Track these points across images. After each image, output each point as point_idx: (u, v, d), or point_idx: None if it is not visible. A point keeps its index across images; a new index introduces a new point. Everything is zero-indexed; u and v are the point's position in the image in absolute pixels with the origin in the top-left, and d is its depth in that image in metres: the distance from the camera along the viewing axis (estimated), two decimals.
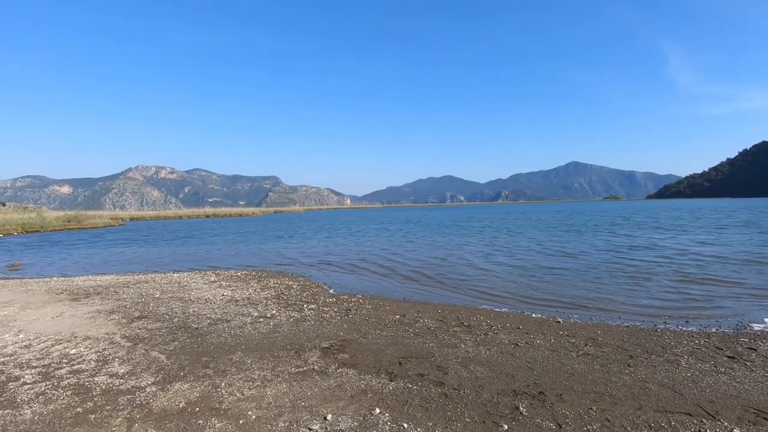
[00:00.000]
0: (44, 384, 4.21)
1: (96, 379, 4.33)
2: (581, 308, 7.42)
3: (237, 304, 7.86)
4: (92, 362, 4.84)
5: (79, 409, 3.65)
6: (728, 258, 12.45)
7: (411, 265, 13.24)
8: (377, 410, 3.53)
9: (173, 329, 6.22)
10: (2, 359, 5.01)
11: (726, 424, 3.27)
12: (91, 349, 5.35)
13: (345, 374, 4.37)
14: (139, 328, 6.29)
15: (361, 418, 3.41)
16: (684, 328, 6.02)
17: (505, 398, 3.77)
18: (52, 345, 5.52)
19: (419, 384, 4.10)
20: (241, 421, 3.39)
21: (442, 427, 3.28)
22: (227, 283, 10.30)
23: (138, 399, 3.84)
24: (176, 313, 7.25)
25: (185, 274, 12.29)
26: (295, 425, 3.31)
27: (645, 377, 4.23)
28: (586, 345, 5.28)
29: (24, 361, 4.93)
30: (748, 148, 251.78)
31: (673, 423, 3.30)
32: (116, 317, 7.02)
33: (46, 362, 4.86)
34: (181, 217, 74.56)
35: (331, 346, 5.33)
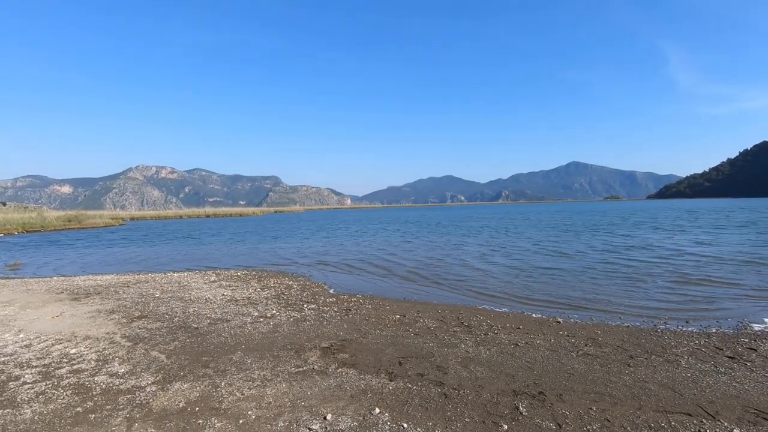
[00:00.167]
0: (44, 383, 4.22)
1: (96, 378, 4.34)
2: (581, 308, 7.41)
3: (237, 304, 7.86)
4: (92, 362, 4.84)
5: (79, 409, 3.66)
6: (728, 258, 12.45)
7: (410, 265, 13.24)
8: (377, 410, 3.54)
9: (173, 329, 6.23)
10: (2, 359, 5.01)
11: (726, 424, 3.27)
12: (91, 348, 5.35)
13: (345, 374, 4.37)
14: (139, 328, 6.30)
15: (360, 418, 3.41)
16: (684, 329, 6.02)
17: (505, 398, 3.77)
18: (53, 344, 5.52)
19: (419, 384, 4.10)
20: (241, 421, 3.39)
21: (442, 427, 3.28)
22: (227, 283, 10.30)
23: (138, 398, 3.84)
24: (176, 312, 7.25)
25: (185, 273, 12.29)
26: (295, 425, 3.31)
27: (645, 377, 4.23)
28: (586, 345, 5.28)
29: (24, 360, 4.94)
30: (749, 148, 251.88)
31: (673, 423, 3.30)
32: (116, 317, 7.03)
33: (46, 362, 4.87)
34: (181, 217, 74.58)
35: (331, 345, 5.33)
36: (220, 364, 4.69)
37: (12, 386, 4.17)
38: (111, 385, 4.17)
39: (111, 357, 5.01)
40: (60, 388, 4.09)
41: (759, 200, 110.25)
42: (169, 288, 9.69)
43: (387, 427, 3.26)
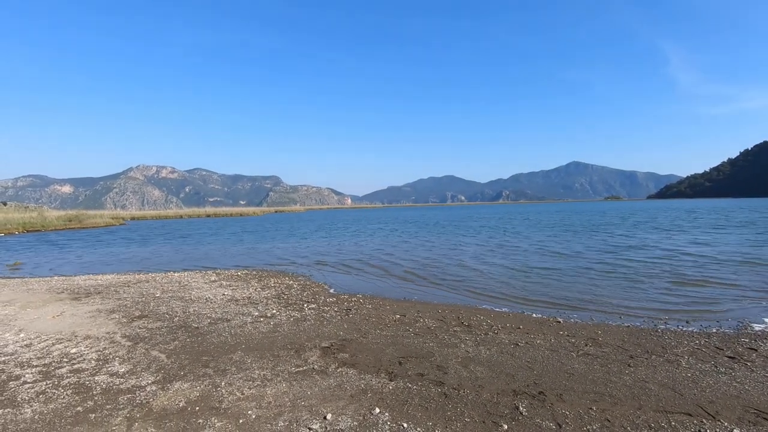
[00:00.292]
0: (45, 383, 4.22)
1: (96, 378, 4.34)
2: (581, 308, 7.41)
3: (237, 304, 7.87)
4: (93, 361, 4.85)
5: (79, 408, 3.66)
6: (728, 258, 12.44)
7: (410, 265, 13.24)
8: (377, 410, 3.54)
9: (173, 328, 6.23)
10: (3, 358, 5.02)
11: (726, 424, 3.27)
12: (91, 348, 5.36)
13: (345, 374, 4.37)
14: (140, 328, 6.30)
15: (360, 418, 3.41)
16: (684, 329, 6.02)
17: (505, 398, 3.76)
18: (53, 344, 5.53)
19: (419, 384, 4.10)
20: (241, 421, 3.39)
21: (442, 426, 3.28)
22: (228, 283, 10.30)
23: (138, 398, 3.85)
24: (177, 312, 7.26)
25: (186, 273, 12.30)
26: (295, 425, 3.32)
27: (645, 377, 4.23)
28: (586, 345, 5.28)
29: (25, 360, 4.94)
30: (750, 148, 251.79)
31: (673, 423, 3.29)
32: (117, 316, 7.03)
33: (46, 361, 4.87)
34: (181, 217, 74.60)
35: (331, 345, 5.33)
36: (220, 364, 4.69)
37: (12, 386, 4.18)
38: (111, 384, 4.17)
39: (111, 356, 5.02)
40: (60, 388, 4.10)
41: (759, 200, 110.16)
42: (170, 288, 9.70)
43: (387, 427, 3.26)
